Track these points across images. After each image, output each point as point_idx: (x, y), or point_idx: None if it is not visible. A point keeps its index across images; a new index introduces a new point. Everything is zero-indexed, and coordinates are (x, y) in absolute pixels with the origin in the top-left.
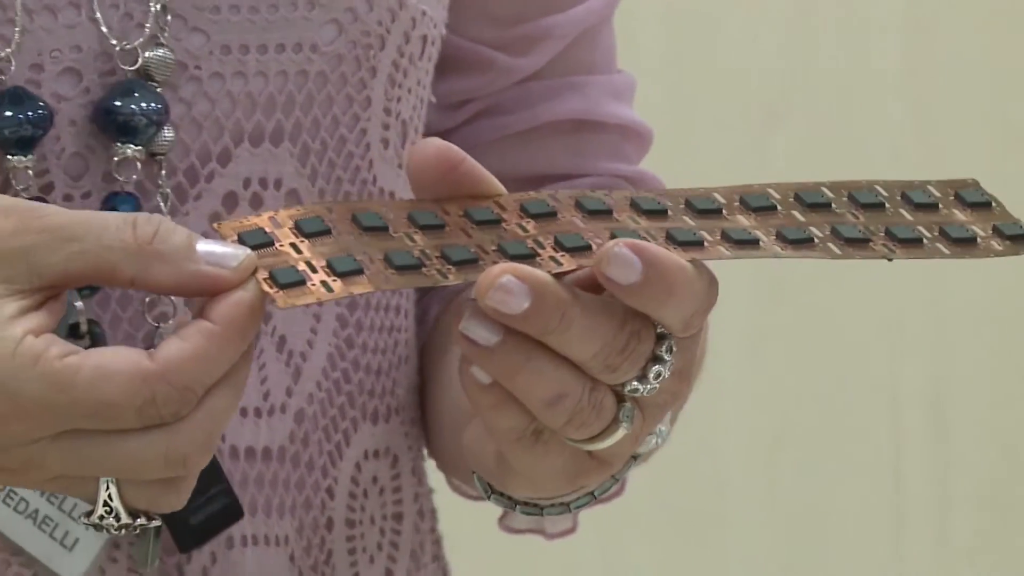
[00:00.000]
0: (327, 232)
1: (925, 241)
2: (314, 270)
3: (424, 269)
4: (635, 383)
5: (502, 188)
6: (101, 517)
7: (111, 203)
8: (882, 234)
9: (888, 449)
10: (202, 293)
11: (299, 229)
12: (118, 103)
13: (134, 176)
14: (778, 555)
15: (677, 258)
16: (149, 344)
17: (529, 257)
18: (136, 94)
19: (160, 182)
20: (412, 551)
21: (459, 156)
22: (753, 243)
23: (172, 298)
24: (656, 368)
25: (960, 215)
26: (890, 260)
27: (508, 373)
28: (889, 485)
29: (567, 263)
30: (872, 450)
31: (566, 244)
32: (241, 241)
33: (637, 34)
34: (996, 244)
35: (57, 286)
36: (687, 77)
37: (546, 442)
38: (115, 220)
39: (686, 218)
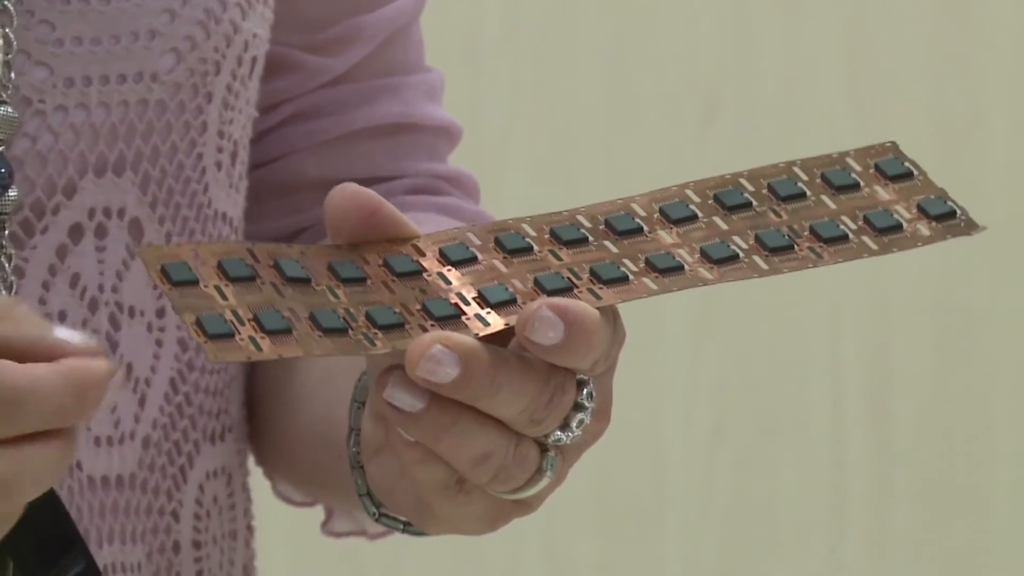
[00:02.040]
0: (251, 279)
1: (851, 236)
2: (241, 322)
3: (351, 333)
4: (558, 433)
5: (417, 231)
6: None
7: None
8: (807, 234)
9: (829, 440)
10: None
11: (223, 271)
12: None
13: None
14: (718, 547)
15: (592, 311)
16: None
17: (454, 317)
18: None
19: (3, 241)
20: (244, 566)
21: (376, 202)
22: (678, 270)
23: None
24: (579, 416)
25: (883, 193)
26: (816, 266)
27: (434, 437)
28: (829, 476)
29: (494, 322)
30: (813, 441)
31: (490, 299)
32: (164, 274)
33: (579, 27)
34: (924, 229)
35: None
36: (627, 68)
37: (469, 492)
38: None
39: (607, 243)
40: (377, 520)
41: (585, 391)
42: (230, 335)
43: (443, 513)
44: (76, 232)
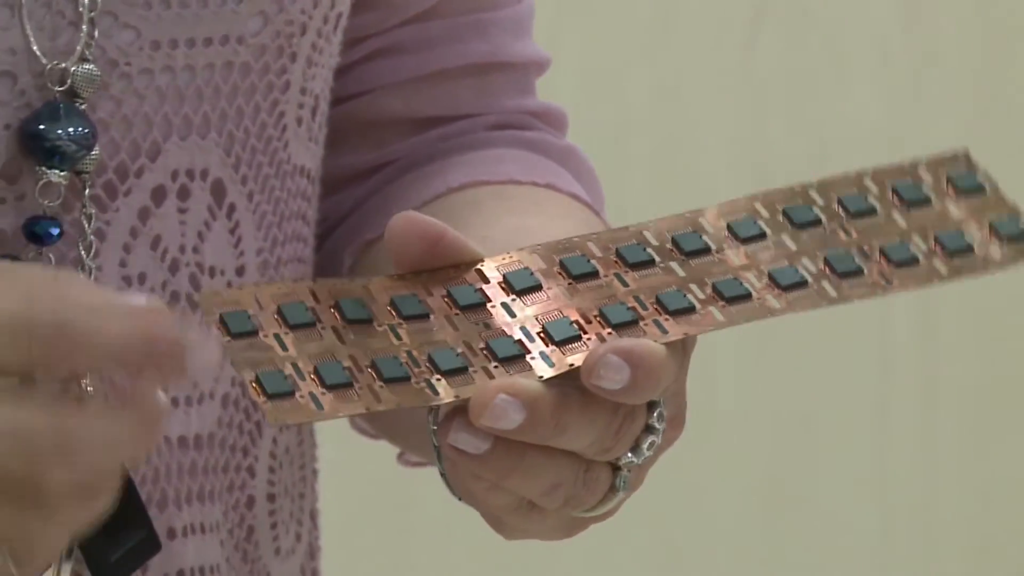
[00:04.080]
0: (311, 324)
1: (921, 259)
2: (301, 376)
3: (413, 380)
4: (629, 455)
5: (482, 256)
6: None
7: (33, 228)
8: (877, 256)
9: (875, 346)
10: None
11: (283, 318)
12: (43, 127)
13: (58, 200)
14: (765, 451)
15: (659, 349)
16: None
17: (519, 357)
18: (63, 118)
19: (84, 202)
20: (311, 511)
21: (440, 230)
22: (746, 298)
23: None
24: (650, 439)
25: (954, 209)
26: (885, 294)
27: (501, 476)
28: (875, 377)
29: (559, 363)
30: (860, 345)
31: (555, 336)
32: (223, 324)
33: None
34: (995, 252)
35: None
36: None
37: (541, 510)
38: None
39: (674, 264)
40: (460, 499)
41: (656, 412)
42: (290, 393)
43: (517, 527)
44: (159, 194)
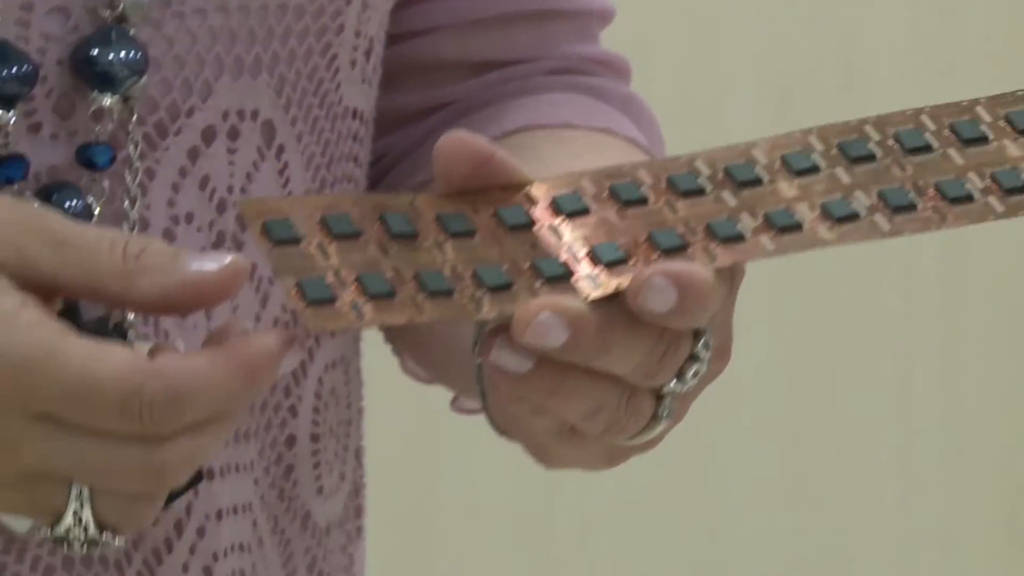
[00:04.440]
0: (356, 235)
1: (976, 196)
2: (343, 285)
3: (457, 295)
4: (673, 383)
5: (530, 178)
6: (67, 530)
7: (87, 153)
8: (931, 191)
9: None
10: (192, 304)
11: (327, 227)
12: (96, 52)
13: (109, 126)
14: (785, 386)
15: (707, 275)
16: None
17: (564, 277)
18: (115, 43)
19: (130, 128)
20: (356, 450)
21: (489, 151)
22: (796, 228)
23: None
24: (694, 367)
25: (1012, 148)
26: (939, 229)
27: (543, 396)
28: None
29: (605, 284)
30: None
31: (602, 258)
32: (266, 233)
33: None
34: None
35: (44, 289)
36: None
37: (583, 436)
38: (109, 238)
39: (725, 194)
40: (501, 435)
41: (702, 341)
42: (331, 300)
43: (559, 455)
44: (209, 134)
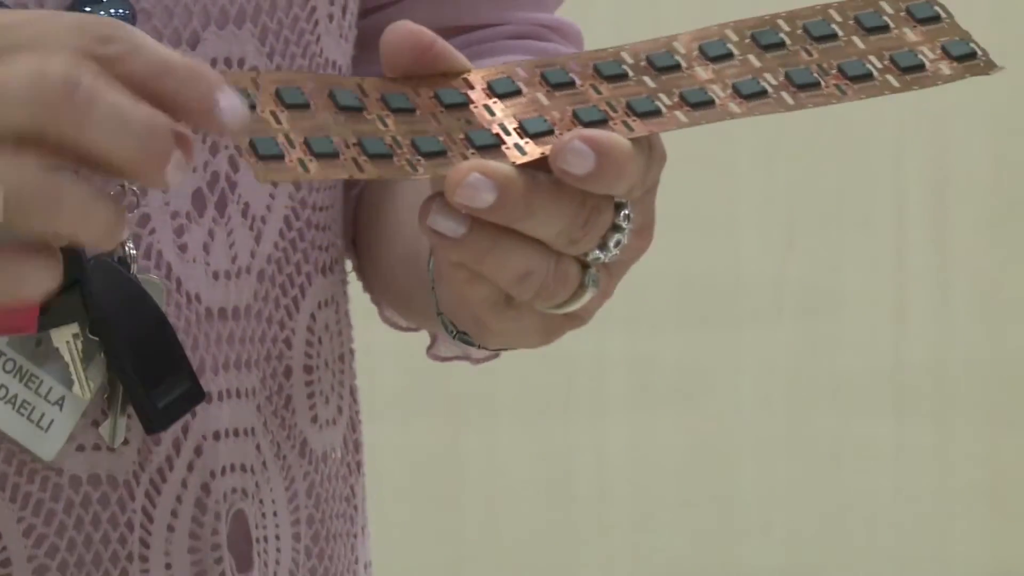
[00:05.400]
0: (306, 106)
1: (875, 73)
2: (292, 145)
3: (395, 159)
4: (597, 252)
5: (470, 66)
6: None
7: None
8: (834, 72)
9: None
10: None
11: (280, 98)
12: (88, 8)
13: None
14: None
15: (624, 141)
16: None
17: (494, 147)
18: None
19: None
20: (351, 387)
21: (430, 39)
22: (708, 104)
23: (134, 188)
24: (616, 237)
25: (911, 34)
26: (840, 102)
27: (476, 258)
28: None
29: (531, 151)
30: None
31: (529, 129)
32: None
33: None
34: (945, 68)
35: None
36: None
37: (518, 307)
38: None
39: (646, 78)
40: (455, 337)
41: (623, 213)
42: (280, 156)
43: (497, 328)
44: None
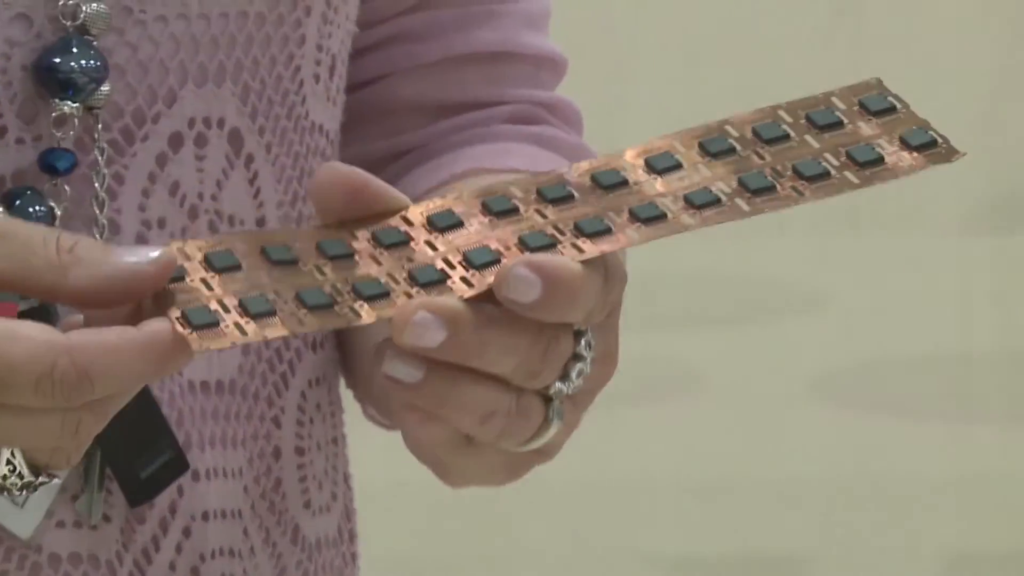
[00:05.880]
0: (237, 267)
1: (833, 172)
2: (227, 310)
3: (336, 307)
4: (558, 384)
5: (408, 202)
6: (4, 476)
7: (48, 159)
8: (789, 173)
9: None
10: (122, 295)
11: (209, 263)
12: (57, 60)
13: (71, 132)
14: None
15: (573, 265)
16: None
17: (439, 282)
18: (76, 51)
19: (96, 135)
20: (344, 474)
21: (363, 179)
22: (661, 218)
23: None
24: (578, 367)
25: (866, 128)
26: (798, 204)
27: (436, 404)
28: None
29: (478, 283)
30: None
31: (475, 261)
32: None
33: None
34: (905, 159)
35: None
36: None
37: (478, 445)
38: (40, 232)
39: (593, 198)
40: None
41: (583, 340)
42: (214, 324)
43: (458, 468)
44: (176, 141)
